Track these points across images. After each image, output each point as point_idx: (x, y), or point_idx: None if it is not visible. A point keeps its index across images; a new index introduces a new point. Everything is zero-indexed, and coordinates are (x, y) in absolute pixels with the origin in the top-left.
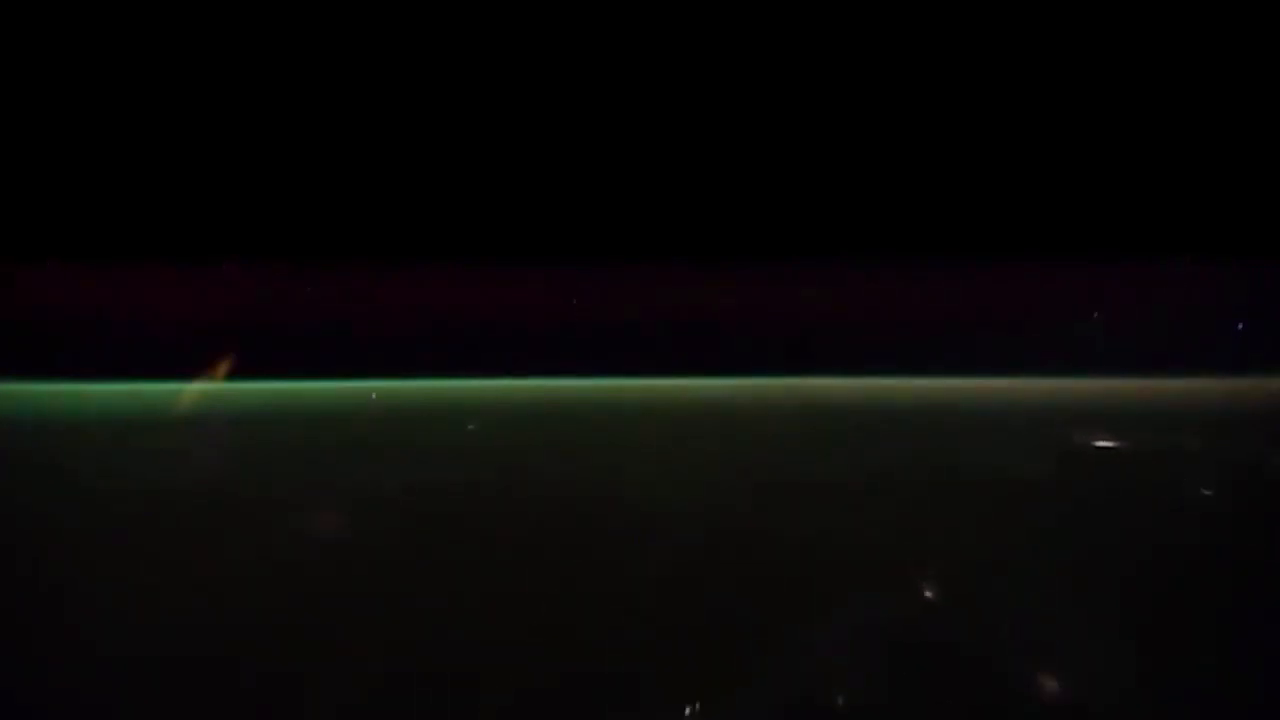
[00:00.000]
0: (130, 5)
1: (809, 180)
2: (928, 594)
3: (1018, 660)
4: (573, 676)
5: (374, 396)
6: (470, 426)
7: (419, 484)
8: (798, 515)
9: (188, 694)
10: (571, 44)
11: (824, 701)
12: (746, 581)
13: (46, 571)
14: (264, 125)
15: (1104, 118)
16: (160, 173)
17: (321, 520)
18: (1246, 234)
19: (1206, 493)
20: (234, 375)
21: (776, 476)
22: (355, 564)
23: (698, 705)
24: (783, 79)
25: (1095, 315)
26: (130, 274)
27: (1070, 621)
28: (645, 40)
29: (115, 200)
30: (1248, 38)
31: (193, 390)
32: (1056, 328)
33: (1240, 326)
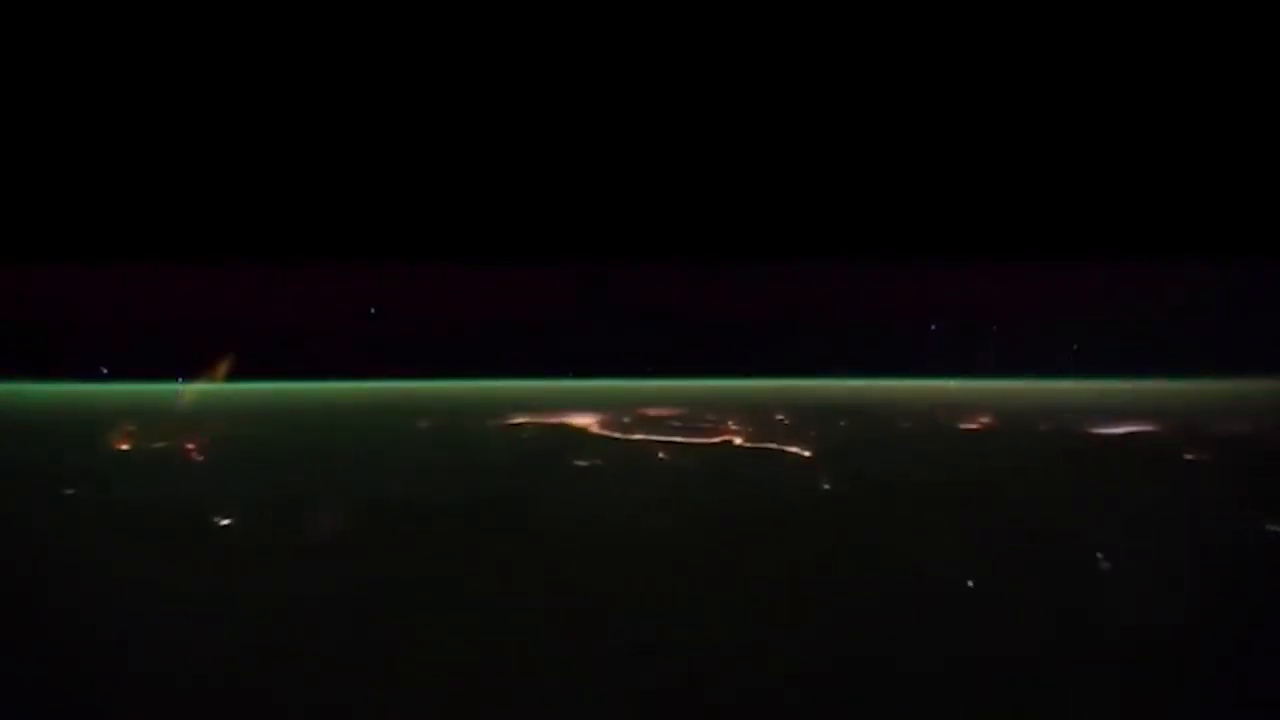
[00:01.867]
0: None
1: (803, 182)
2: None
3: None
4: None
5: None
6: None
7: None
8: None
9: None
10: (574, 51)
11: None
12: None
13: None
14: (265, 130)
15: (1104, 120)
16: (160, 175)
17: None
18: (1246, 234)
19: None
20: (234, 375)
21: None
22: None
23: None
24: (780, 84)
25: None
26: (132, 274)
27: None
28: (644, 48)
29: (116, 201)
30: (1247, 41)
31: (193, 390)
32: (1055, 328)
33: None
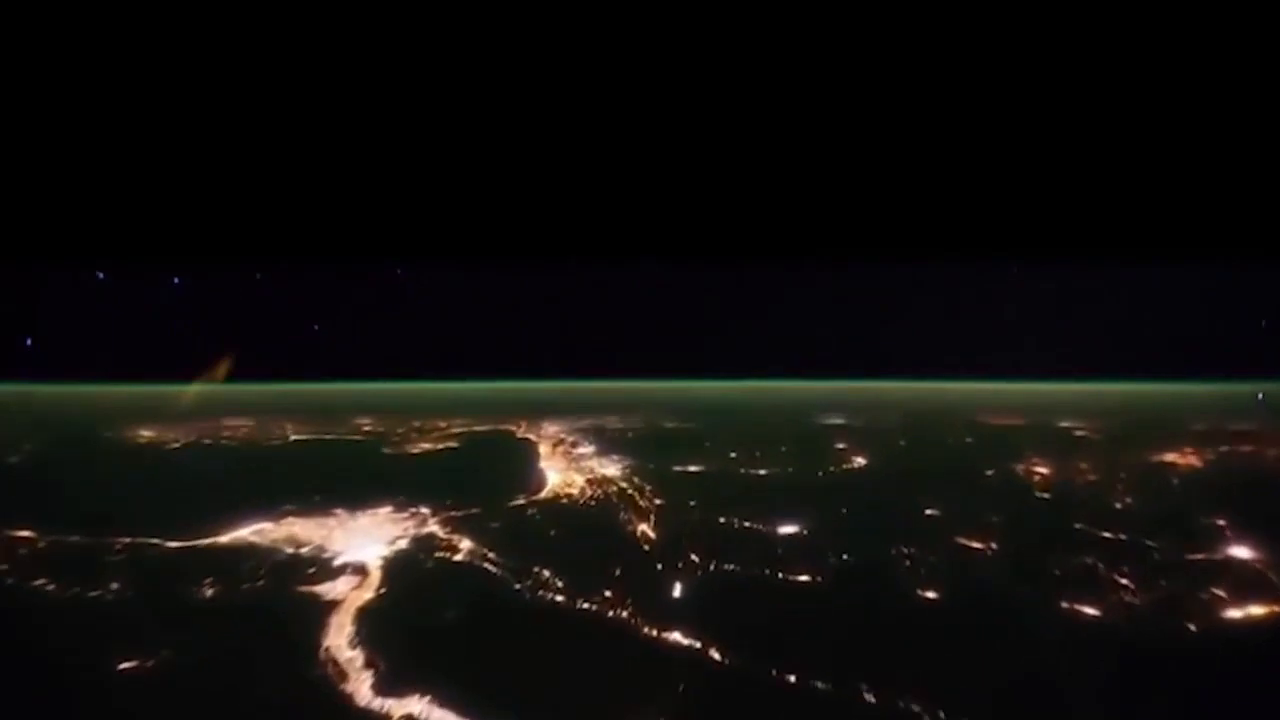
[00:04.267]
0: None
1: (805, 184)
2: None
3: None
4: None
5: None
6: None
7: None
8: None
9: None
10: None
11: None
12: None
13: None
14: (268, 132)
15: (1104, 121)
16: (162, 178)
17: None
18: (1246, 234)
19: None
20: (234, 375)
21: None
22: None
23: None
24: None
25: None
26: (128, 273)
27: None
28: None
29: (118, 202)
30: (1247, 43)
31: (193, 390)
32: (1054, 328)
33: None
